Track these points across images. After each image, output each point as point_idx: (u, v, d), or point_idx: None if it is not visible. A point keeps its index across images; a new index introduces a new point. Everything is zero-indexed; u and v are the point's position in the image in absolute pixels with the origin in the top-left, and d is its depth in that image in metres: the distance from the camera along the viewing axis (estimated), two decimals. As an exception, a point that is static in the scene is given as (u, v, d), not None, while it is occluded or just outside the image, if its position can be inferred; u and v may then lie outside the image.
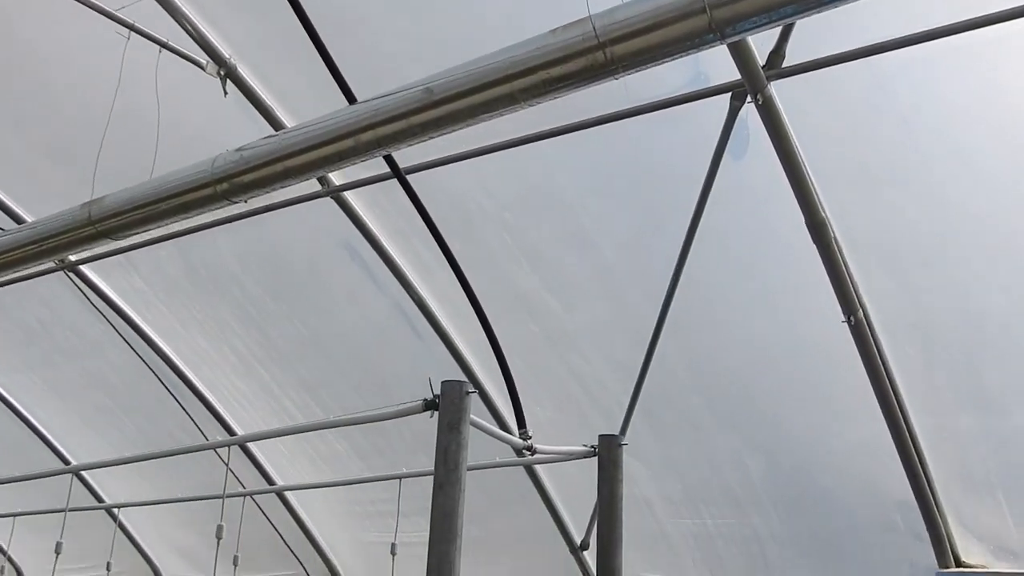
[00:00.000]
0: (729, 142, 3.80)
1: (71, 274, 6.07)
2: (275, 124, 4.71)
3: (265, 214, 5.22)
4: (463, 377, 5.52)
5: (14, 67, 5.21)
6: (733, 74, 3.73)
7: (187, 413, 6.59)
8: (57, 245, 3.93)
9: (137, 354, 6.50)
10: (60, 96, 5.21)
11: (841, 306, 4.09)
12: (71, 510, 5.80)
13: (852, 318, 4.06)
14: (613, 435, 4.32)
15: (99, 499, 8.13)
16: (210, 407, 6.85)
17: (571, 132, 4.21)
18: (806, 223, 3.99)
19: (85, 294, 6.23)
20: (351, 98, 3.28)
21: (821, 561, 5.33)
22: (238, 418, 6.93)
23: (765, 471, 5.23)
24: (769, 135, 3.85)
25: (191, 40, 4.57)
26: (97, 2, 4.29)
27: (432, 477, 3.10)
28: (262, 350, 6.37)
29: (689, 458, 5.46)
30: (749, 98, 3.74)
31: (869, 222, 4.06)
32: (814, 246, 4.02)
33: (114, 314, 6.41)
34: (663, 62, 2.56)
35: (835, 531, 5.17)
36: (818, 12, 2.36)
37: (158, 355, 6.61)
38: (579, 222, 4.82)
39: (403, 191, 3.71)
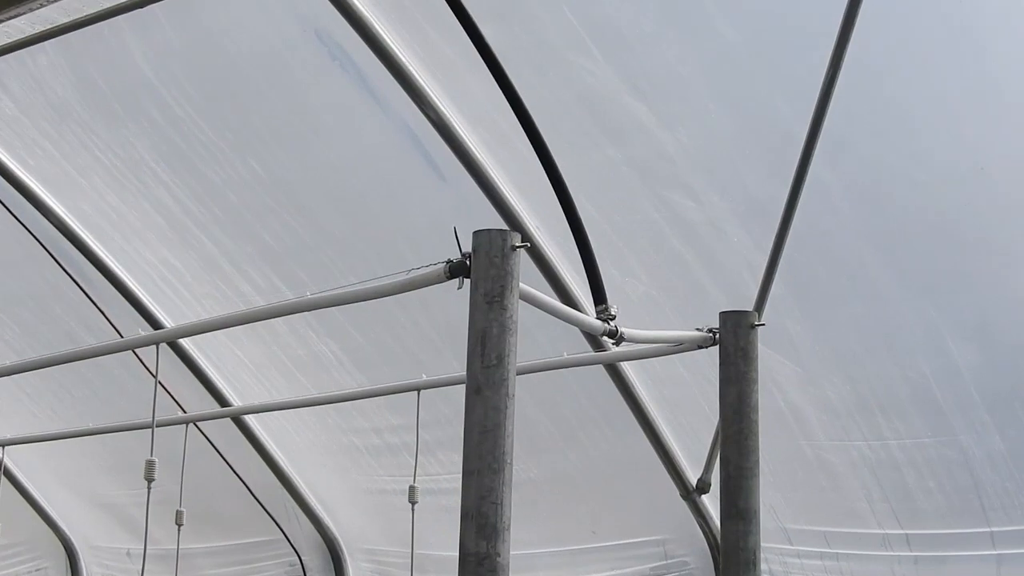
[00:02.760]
0: None
1: (-93, 98, 6.16)
2: None
3: (194, -9, 5.23)
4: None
5: None
6: None
7: (94, 303, 6.74)
8: None
9: (14, 216, 6.62)
10: None
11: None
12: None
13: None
14: (743, 311, 4.34)
15: (-27, 436, 8.46)
16: (129, 294, 7.01)
17: None
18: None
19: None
20: None
21: (1068, 496, 5.37)
22: (171, 310, 7.09)
23: (979, 362, 5.24)
24: None
25: None
26: None
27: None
28: (201, 205, 6.44)
29: (862, 346, 5.48)
30: None
31: None
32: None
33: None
34: None
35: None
36: None
37: (47, 218, 6.74)
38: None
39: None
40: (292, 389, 7.19)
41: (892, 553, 5.95)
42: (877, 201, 5.07)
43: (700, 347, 4.36)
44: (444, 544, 5.88)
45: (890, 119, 4.81)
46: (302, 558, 8.12)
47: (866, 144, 4.82)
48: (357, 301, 3.88)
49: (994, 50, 4.49)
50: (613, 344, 4.13)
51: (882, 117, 4.78)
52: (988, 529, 5.63)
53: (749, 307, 4.45)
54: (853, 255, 5.21)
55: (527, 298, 3.35)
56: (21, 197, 6.70)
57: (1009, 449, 5.38)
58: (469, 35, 3.76)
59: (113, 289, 7.03)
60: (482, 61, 3.79)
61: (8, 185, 6.66)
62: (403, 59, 5.33)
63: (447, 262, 3.27)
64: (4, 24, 4.09)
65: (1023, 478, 5.42)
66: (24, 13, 3.85)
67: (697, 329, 4.35)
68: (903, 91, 4.70)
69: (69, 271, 6.89)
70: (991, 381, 5.29)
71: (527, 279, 3.27)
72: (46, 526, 9.11)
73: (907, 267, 5.21)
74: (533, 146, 3.87)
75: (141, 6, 5.32)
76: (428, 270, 3.35)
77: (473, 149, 5.53)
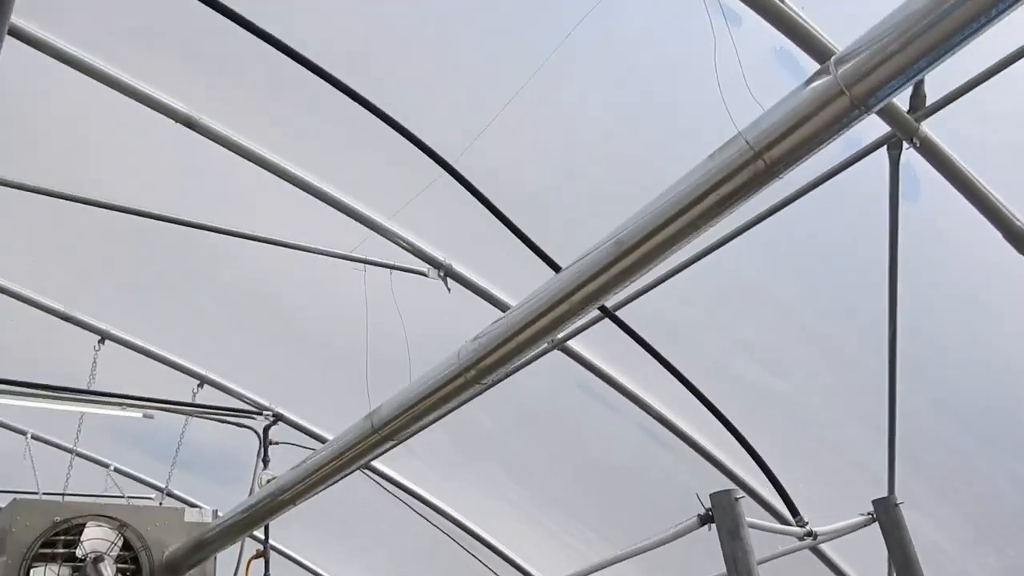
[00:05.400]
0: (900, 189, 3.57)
1: (367, 471, 6.45)
2: (495, 303, 4.94)
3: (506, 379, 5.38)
4: (719, 474, 5.31)
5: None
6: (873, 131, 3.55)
7: (482, 563, 6.69)
8: (354, 456, 4.21)
9: (432, 524, 6.70)
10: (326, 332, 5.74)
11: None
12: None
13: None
14: (886, 497, 3.95)
15: None
16: (505, 557, 6.93)
17: (753, 227, 4.11)
18: (1005, 238, 3.65)
19: (382, 485, 6.58)
20: (555, 267, 3.39)
21: None
22: (530, 559, 6.94)
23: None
24: (937, 169, 3.61)
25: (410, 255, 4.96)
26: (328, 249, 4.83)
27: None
28: (532, 496, 6.43)
29: (969, 491, 4.93)
30: (906, 145, 3.54)
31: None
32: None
33: (407, 496, 6.70)
34: (818, 150, 2.48)
35: None
36: (950, 56, 2.21)
37: (452, 522, 6.81)
38: (778, 304, 4.64)
39: (616, 326, 3.75)
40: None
41: None
42: (947, 398, 4.67)
43: (866, 525, 3.96)
44: None
45: (933, 352, 4.47)
46: None
47: (926, 368, 4.50)
48: (646, 551, 3.57)
49: (980, 297, 4.18)
50: (811, 540, 3.83)
51: (930, 351, 4.44)
52: None
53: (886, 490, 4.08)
54: (943, 434, 4.76)
55: (754, 527, 3.15)
56: (434, 513, 6.81)
57: None
58: (664, 366, 3.77)
59: (498, 559, 6.95)
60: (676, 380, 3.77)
61: (424, 507, 6.78)
62: (630, 387, 5.33)
63: (698, 516, 3.12)
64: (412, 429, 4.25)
65: None
66: (424, 425, 3.98)
67: (860, 515, 3.97)
68: (937, 333, 4.38)
69: (469, 550, 6.86)
70: None
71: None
72: None
73: (981, 432, 4.72)
74: (721, 422, 3.80)
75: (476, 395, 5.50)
76: (687, 523, 3.19)
77: (684, 428, 5.39)
